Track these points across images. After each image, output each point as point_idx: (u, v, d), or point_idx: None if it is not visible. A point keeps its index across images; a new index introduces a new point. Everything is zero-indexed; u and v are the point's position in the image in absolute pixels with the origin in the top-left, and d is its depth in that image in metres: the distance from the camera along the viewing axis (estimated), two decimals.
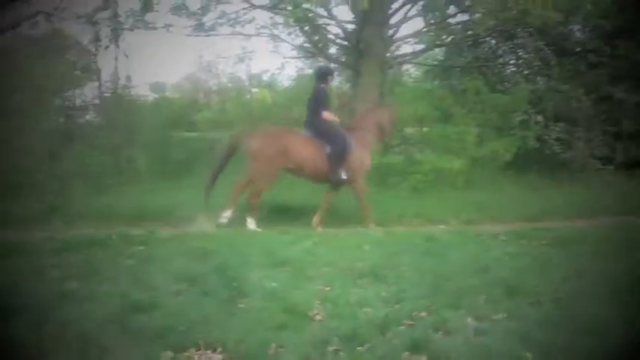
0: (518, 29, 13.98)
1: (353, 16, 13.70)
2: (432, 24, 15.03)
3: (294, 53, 16.86)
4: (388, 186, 10.60)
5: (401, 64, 15.51)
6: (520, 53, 15.59)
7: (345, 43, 14.37)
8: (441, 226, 8.75)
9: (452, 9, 14.51)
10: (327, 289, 5.32)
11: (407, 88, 15.16)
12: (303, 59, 17.75)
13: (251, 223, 8.54)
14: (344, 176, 8.74)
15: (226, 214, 8.55)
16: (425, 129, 12.37)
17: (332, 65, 14.02)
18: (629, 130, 12.75)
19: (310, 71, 17.20)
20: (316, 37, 14.39)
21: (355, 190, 9.04)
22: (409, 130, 12.48)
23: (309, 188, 9.69)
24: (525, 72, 15.08)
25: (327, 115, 8.82)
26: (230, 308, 4.75)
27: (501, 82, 14.11)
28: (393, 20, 13.85)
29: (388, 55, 14.20)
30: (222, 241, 7.16)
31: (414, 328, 4.38)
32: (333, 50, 15.66)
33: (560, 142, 12.31)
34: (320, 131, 8.78)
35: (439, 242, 7.37)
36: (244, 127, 11.60)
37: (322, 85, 9.07)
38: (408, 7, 13.89)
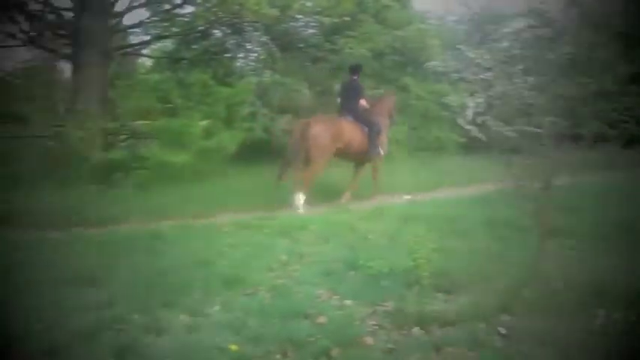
0: (245, 23, 14.19)
1: (72, 3, 12.82)
2: (158, 14, 14.67)
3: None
4: (112, 183, 10.06)
5: (126, 55, 14.92)
6: (248, 47, 15.88)
7: (63, 32, 13.41)
8: (168, 222, 8.47)
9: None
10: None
11: (132, 80, 14.60)
12: (15, 49, 16.19)
13: (299, 200, 9.51)
14: (381, 152, 10.64)
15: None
16: (151, 122, 11.95)
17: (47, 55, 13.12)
18: None
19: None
20: (28, 25, 13.26)
21: (375, 167, 10.77)
22: (135, 124, 11.97)
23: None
24: (252, 65, 15.42)
25: (363, 102, 10.56)
26: None
27: (229, 75, 14.20)
28: (117, 9, 13.26)
29: (113, 45, 13.56)
30: None
31: (123, 333, 4.14)
32: (50, 40, 14.53)
33: (287, 133, 12.69)
34: (358, 116, 10.40)
35: (163, 239, 7.16)
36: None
37: (355, 77, 10.71)
38: None
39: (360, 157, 10.57)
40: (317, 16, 14.25)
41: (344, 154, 10.24)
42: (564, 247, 6.83)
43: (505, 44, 19.28)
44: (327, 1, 12.93)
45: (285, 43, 14.55)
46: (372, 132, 10.33)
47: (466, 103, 14.68)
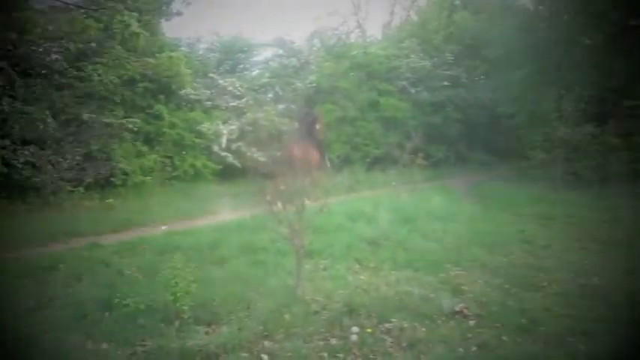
0: None
1: None
2: None
3: None
4: None
5: None
6: None
7: None
8: None
9: None
10: None
11: None
12: None
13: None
14: (328, 164, 13.41)
15: None
16: None
17: None
18: (97, 150, 12.95)
19: None
20: None
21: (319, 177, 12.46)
22: None
23: None
24: None
25: (318, 126, 13.08)
26: None
27: None
28: None
29: None
30: None
31: None
32: None
33: (31, 166, 11.75)
34: (313, 139, 11.93)
35: None
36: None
37: (310, 110, 14.50)
38: None
39: (317, 169, 12.48)
40: (61, 41, 13.47)
41: (306, 169, 12.23)
42: (319, 267, 7.16)
43: (255, 73, 20.06)
44: (70, 26, 12.29)
45: (25, 69, 13.51)
46: (324, 152, 13.19)
47: (220, 131, 15.00)
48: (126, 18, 13.63)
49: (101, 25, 13.08)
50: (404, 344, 4.92)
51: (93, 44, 13.47)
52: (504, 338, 5.06)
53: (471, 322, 5.43)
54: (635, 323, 5.53)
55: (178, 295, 5.07)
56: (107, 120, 13.14)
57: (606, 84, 17.74)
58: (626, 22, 18.12)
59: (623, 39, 17.92)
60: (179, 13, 16.47)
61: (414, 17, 28.15)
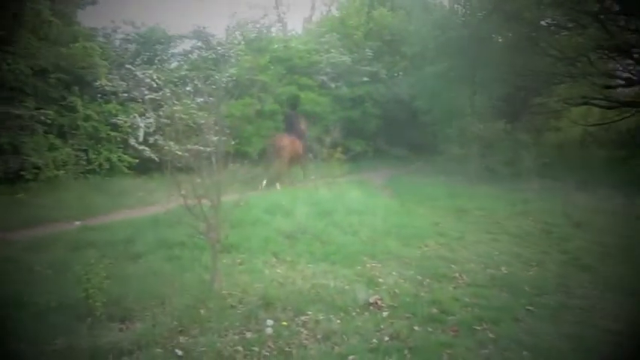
0: None
1: None
2: None
3: None
4: None
5: None
6: None
7: None
8: None
9: None
10: None
11: None
12: None
13: (279, 186, 13.83)
14: (311, 156, 15.12)
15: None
16: None
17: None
18: (7, 143, 12.40)
19: None
20: None
21: (304, 165, 15.37)
22: None
23: None
24: None
25: (302, 124, 15.71)
26: None
27: None
28: None
29: None
30: None
31: None
32: None
33: None
34: (298, 133, 15.19)
35: None
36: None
37: (294, 111, 17.16)
38: None
39: (297, 160, 15.05)
40: None
41: (293, 157, 14.67)
42: (236, 261, 7.15)
43: (173, 65, 19.69)
44: None
45: None
46: (305, 144, 15.21)
47: (137, 124, 14.70)
48: (38, 5, 13.15)
49: (10, 13, 12.53)
50: (319, 336, 5.00)
51: (1, 32, 12.92)
52: (416, 328, 5.23)
53: (385, 313, 5.58)
54: (540, 310, 5.82)
55: (91, 291, 4.96)
56: (17, 111, 12.57)
57: (517, 82, 18.40)
58: (537, 22, 18.86)
59: (535, 38, 18.65)
60: (93, 2, 16.01)
61: (335, 12, 28.34)
